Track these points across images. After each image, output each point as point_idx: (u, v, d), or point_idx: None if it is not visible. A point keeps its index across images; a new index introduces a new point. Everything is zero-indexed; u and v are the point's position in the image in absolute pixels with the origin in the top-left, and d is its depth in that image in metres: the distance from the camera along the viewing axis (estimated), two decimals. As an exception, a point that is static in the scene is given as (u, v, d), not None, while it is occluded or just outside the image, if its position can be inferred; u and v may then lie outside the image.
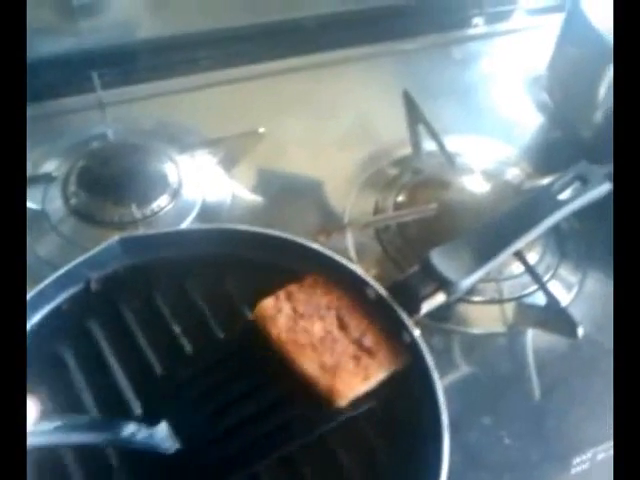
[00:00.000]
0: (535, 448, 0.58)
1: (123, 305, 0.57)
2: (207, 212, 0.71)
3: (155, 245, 0.59)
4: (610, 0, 0.71)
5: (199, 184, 0.73)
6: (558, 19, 0.83)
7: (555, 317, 0.62)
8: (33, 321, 0.54)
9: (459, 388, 0.61)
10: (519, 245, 0.58)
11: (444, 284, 0.55)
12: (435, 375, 0.52)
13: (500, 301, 0.66)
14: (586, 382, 0.63)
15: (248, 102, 0.82)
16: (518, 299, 0.66)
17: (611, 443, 0.59)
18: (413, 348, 0.54)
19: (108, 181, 0.71)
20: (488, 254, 0.56)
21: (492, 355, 0.63)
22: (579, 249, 0.72)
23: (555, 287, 0.67)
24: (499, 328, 0.65)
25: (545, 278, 0.67)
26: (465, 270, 0.55)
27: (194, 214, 0.70)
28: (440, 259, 0.55)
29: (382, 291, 0.56)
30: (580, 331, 0.58)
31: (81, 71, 0.80)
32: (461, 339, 0.64)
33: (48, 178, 0.71)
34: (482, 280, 0.65)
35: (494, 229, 0.58)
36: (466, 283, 0.55)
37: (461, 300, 0.65)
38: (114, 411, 0.52)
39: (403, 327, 0.54)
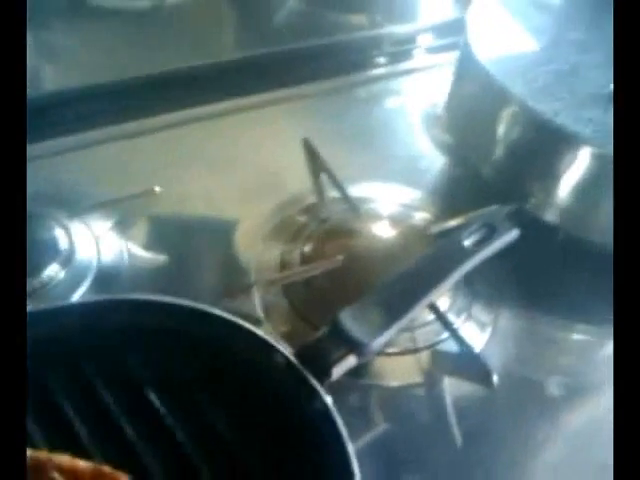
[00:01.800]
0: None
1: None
2: (103, 278, 0.67)
3: (45, 322, 0.55)
4: (500, 39, 0.73)
5: (93, 249, 0.68)
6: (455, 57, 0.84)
7: (470, 364, 0.61)
8: None
9: (379, 445, 0.59)
10: (430, 298, 0.57)
11: (355, 346, 0.53)
12: (350, 447, 0.49)
13: (415, 351, 0.64)
14: (507, 427, 0.62)
15: (143, 158, 0.78)
16: (432, 347, 0.65)
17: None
18: (325, 415, 0.51)
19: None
20: (399, 311, 0.55)
21: (411, 407, 0.62)
22: (489, 288, 0.71)
23: (469, 330, 0.67)
24: (416, 379, 0.63)
25: (458, 323, 0.66)
26: (376, 330, 0.53)
27: (89, 282, 0.66)
28: (349, 320, 0.53)
29: (291, 357, 0.53)
30: (495, 379, 0.57)
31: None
32: (378, 393, 0.62)
33: None
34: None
35: (403, 284, 0.57)
36: (377, 343, 0.53)
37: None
38: None
39: (314, 394, 0.52)
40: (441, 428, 0.60)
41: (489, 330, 0.68)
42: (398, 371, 0.63)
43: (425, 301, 0.56)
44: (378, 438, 0.59)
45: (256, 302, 0.65)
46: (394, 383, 0.63)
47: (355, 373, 0.61)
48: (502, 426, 0.61)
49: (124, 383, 0.55)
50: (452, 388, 0.63)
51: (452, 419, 0.61)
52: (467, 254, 0.57)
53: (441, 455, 0.59)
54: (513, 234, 0.59)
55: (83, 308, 0.58)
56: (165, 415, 0.53)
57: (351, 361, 0.53)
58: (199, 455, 0.51)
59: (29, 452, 0.47)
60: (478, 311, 0.69)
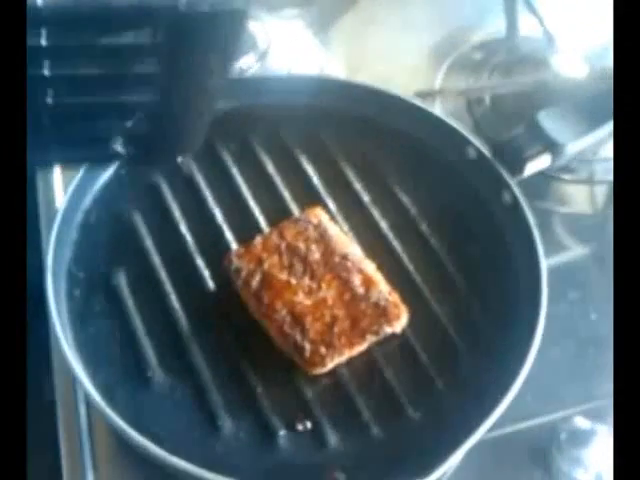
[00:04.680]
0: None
1: (220, 146, 0.57)
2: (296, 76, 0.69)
3: (251, 91, 0.58)
4: None
5: (287, 48, 0.71)
6: None
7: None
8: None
9: (548, 263, 0.59)
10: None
11: (551, 146, 0.53)
12: (536, 235, 0.51)
13: (592, 182, 0.64)
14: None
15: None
16: (610, 181, 0.64)
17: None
18: (514, 208, 0.53)
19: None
20: (597, 122, 0.54)
21: (582, 235, 0.62)
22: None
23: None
24: (589, 209, 0.63)
25: None
26: (574, 134, 0.53)
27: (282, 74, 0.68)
28: (549, 121, 0.53)
29: (484, 150, 0.55)
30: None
31: None
32: (552, 217, 0.62)
33: None
34: (577, 159, 0.63)
35: (604, 100, 0.56)
36: (573, 147, 0.54)
37: (553, 178, 0.63)
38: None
39: (505, 186, 0.53)
40: (606, 259, 0.60)
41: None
42: (573, 198, 0.64)
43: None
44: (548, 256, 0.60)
45: (439, 112, 0.66)
46: (569, 209, 0.63)
47: (531, 194, 0.62)
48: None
49: (319, 153, 0.58)
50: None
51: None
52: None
53: (605, 284, 0.59)
54: None
55: (284, 82, 0.61)
56: (360, 191, 0.57)
57: (545, 161, 0.53)
58: (391, 229, 0.55)
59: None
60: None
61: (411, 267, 0.53)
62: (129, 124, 0.38)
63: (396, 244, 0.54)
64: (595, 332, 0.56)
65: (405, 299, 0.49)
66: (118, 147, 0.39)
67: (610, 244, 0.60)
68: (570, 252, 0.61)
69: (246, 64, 0.68)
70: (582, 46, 0.73)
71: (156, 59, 0.35)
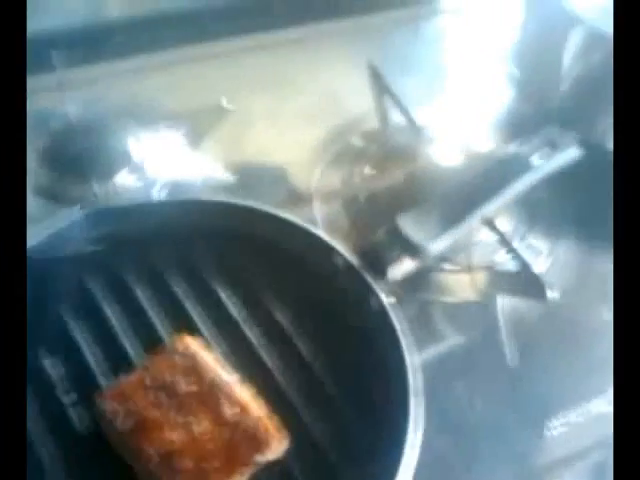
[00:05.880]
0: (509, 413, 0.57)
1: (88, 279, 0.56)
2: (172, 187, 0.69)
3: (117, 218, 0.58)
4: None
5: (163, 160, 0.71)
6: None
7: (525, 281, 0.61)
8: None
9: (432, 355, 0.60)
10: (489, 209, 0.57)
11: (411, 248, 0.54)
12: (403, 339, 0.51)
13: (471, 269, 0.65)
14: (557, 348, 0.62)
15: (212, 79, 0.81)
16: (489, 267, 0.66)
17: (584, 406, 0.58)
18: (381, 314, 0.53)
19: (69, 159, 0.69)
20: (457, 217, 0.56)
21: (465, 323, 0.63)
22: (549, 219, 0.71)
23: (525, 254, 0.67)
24: (471, 296, 0.64)
25: (515, 246, 0.66)
26: (433, 234, 0.55)
27: (158, 189, 0.69)
28: (407, 224, 0.55)
29: (349, 257, 0.55)
30: (549, 293, 0.57)
31: (41, 50, 0.78)
32: (434, 308, 0.63)
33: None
34: (452, 249, 0.64)
35: (463, 192, 0.58)
36: (434, 247, 0.54)
37: (433, 269, 0.65)
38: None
39: (370, 292, 0.54)
40: (494, 344, 0.61)
41: (544, 258, 0.68)
42: (454, 287, 0.65)
43: (484, 210, 0.56)
44: (431, 349, 0.61)
45: (317, 216, 0.67)
46: (450, 299, 0.64)
47: (412, 287, 0.63)
48: (552, 347, 0.62)
49: (190, 273, 0.58)
50: (506, 308, 0.64)
51: (505, 337, 0.62)
52: (527, 167, 0.58)
53: (492, 369, 0.60)
54: (574, 152, 0.59)
55: (153, 207, 0.61)
56: (229, 306, 0.56)
57: (408, 263, 0.54)
58: (263, 345, 0.54)
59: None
60: (536, 239, 0.69)
61: (287, 387, 0.52)
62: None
63: (272, 365, 0.53)
64: (482, 420, 0.57)
65: (285, 422, 0.48)
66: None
67: (493, 330, 0.62)
68: (453, 341, 0.61)
69: (121, 182, 0.68)
70: (451, 134, 0.76)
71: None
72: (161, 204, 0.62)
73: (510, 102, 0.84)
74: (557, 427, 0.57)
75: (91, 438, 0.49)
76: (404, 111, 0.72)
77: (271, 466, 0.48)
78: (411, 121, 0.72)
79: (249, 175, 0.72)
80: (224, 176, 0.71)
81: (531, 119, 0.80)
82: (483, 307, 0.64)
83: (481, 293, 0.64)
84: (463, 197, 0.57)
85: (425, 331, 0.61)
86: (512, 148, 0.68)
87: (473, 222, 0.57)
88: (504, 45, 0.88)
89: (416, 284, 0.63)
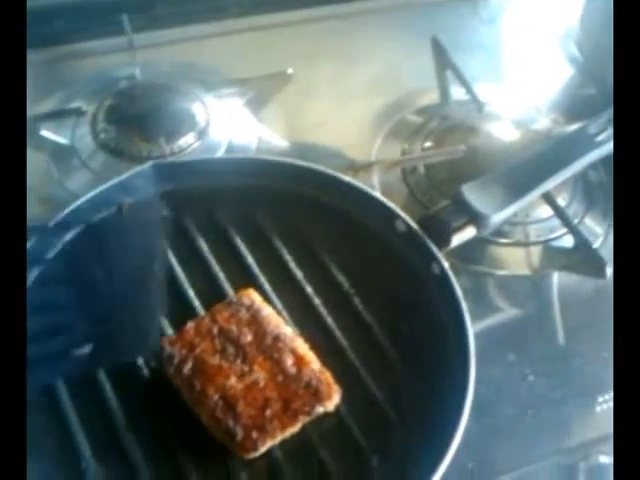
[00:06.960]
0: (559, 386, 0.58)
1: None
2: (234, 151, 0.71)
3: (187, 173, 0.60)
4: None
5: (226, 124, 0.72)
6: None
7: (583, 258, 0.62)
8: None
9: (485, 326, 0.61)
10: (552, 183, 0.57)
11: (475, 218, 0.55)
12: (463, 304, 0.52)
13: (526, 244, 0.66)
14: (609, 325, 0.62)
15: (276, 47, 0.82)
16: (545, 242, 0.66)
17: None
18: (442, 279, 0.54)
19: (137, 118, 0.71)
20: (521, 191, 0.56)
21: (518, 297, 0.63)
22: (606, 200, 0.71)
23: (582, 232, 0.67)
24: (526, 270, 0.65)
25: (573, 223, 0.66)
26: (497, 205, 0.55)
27: (220, 153, 0.70)
28: (472, 193, 0.55)
29: (412, 223, 0.56)
30: (608, 270, 0.58)
31: (112, 14, 0.80)
32: (488, 280, 0.64)
33: (78, 112, 0.71)
34: (509, 223, 0.65)
35: (527, 167, 0.58)
36: (497, 218, 0.55)
37: (488, 242, 0.65)
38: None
39: (432, 258, 0.55)
40: (545, 320, 0.62)
41: (600, 239, 0.68)
42: (508, 261, 0.65)
43: (547, 185, 0.57)
44: (484, 319, 0.62)
45: (375, 184, 0.68)
46: (503, 272, 0.64)
47: (467, 258, 0.64)
48: (604, 325, 0.62)
49: (253, 231, 0.60)
50: (560, 284, 0.64)
51: (557, 313, 0.62)
52: (593, 145, 0.58)
53: (542, 344, 0.60)
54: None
55: (220, 163, 0.62)
56: (290, 264, 0.58)
57: (470, 232, 0.55)
58: (322, 304, 0.56)
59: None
60: (592, 220, 0.69)
61: (345, 344, 0.53)
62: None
63: (330, 321, 0.55)
64: (533, 393, 0.57)
65: (338, 376, 0.50)
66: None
67: (546, 305, 0.63)
68: (505, 314, 0.62)
69: (186, 142, 0.70)
70: (511, 111, 0.76)
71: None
72: (228, 160, 0.63)
73: (570, 81, 0.84)
74: (607, 401, 0.57)
75: (156, 383, 0.51)
76: (467, 86, 0.72)
77: (324, 417, 0.49)
78: (473, 96, 0.72)
79: (309, 143, 0.73)
80: (285, 143, 0.73)
81: (591, 101, 0.80)
82: (537, 282, 0.64)
83: (535, 268, 0.65)
84: (527, 172, 0.57)
85: (478, 303, 0.62)
86: (576, 127, 0.68)
87: (535, 196, 0.57)
88: (565, 24, 0.88)
89: (471, 256, 0.64)
